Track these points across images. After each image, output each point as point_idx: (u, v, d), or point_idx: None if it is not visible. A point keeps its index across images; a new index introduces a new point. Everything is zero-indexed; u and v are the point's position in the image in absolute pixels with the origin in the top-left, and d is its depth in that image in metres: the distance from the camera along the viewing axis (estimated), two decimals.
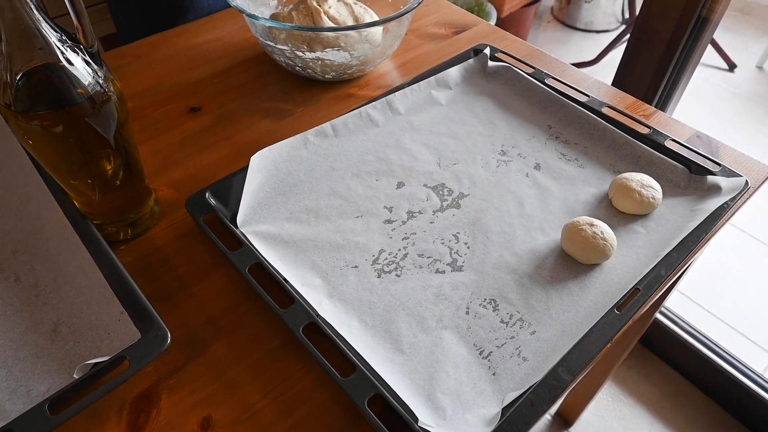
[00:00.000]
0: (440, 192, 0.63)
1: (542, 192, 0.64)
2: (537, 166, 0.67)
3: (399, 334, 0.50)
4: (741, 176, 0.60)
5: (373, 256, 0.57)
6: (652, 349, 1.38)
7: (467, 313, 0.52)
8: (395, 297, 0.53)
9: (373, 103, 0.70)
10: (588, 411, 1.23)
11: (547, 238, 0.59)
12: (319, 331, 0.48)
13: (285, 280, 0.52)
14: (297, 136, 0.65)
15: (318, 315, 0.49)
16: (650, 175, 0.64)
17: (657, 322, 1.30)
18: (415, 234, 0.59)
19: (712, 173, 0.62)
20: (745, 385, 1.23)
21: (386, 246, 0.58)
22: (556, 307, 0.52)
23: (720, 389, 1.30)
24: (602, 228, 0.55)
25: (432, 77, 0.75)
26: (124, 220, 0.56)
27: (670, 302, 1.35)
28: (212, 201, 0.58)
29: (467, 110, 0.74)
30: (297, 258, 0.56)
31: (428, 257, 0.57)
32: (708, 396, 1.31)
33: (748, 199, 0.62)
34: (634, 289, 0.51)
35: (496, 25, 2.06)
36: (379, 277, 0.55)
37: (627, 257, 0.56)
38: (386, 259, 0.57)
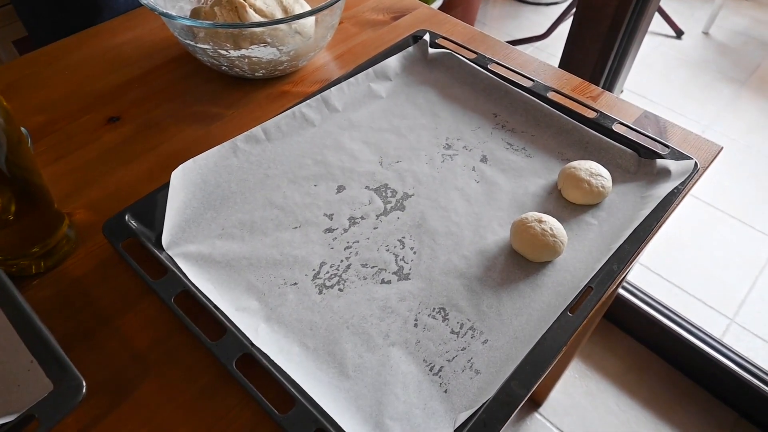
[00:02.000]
0: (383, 194, 0.60)
1: (490, 187, 0.61)
2: (483, 159, 0.64)
3: (344, 356, 0.47)
4: (690, 158, 0.58)
5: (314, 270, 0.53)
6: (615, 322, 1.39)
7: (416, 325, 0.49)
8: (338, 314, 0.49)
9: (308, 101, 0.66)
10: (556, 390, 1.23)
11: (497, 237, 0.56)
12: (254, 363, 0.44)
13: (216, 307, 0.48)
14: (225, 143, 0.60)
15: (253, 345, 0.45)
16: (599, 161, 0.62)
17: (619, 296, 1.31)
18: (358, 242, 0.55)
19: (661, 156, 0.60)
20: (705, 352, 1.25)
21: (327, 257, 0.54)
22: (508, 312, 0.50)
23: (681, 358, 1.32)
24: (551, 224, 0.53)
25: (370, 69, 0.70)
26: (32, 253, 0.50)
27: (630, 275, 1.36)
28: (133, 223, 0.53)
29: (409, 102, 0.70)
30: (231, 279, 0.52)
31: (373, 267, 0.53)
32: (671, 365, 1.33)
33: (698, 179, 0.60)
34: (587, 288, 0.49)
35: (444, 4, 2.02)
36: (320, 293, 0.51)
37: (579, 252, 0.54)
38: (328, 272, 0.53)
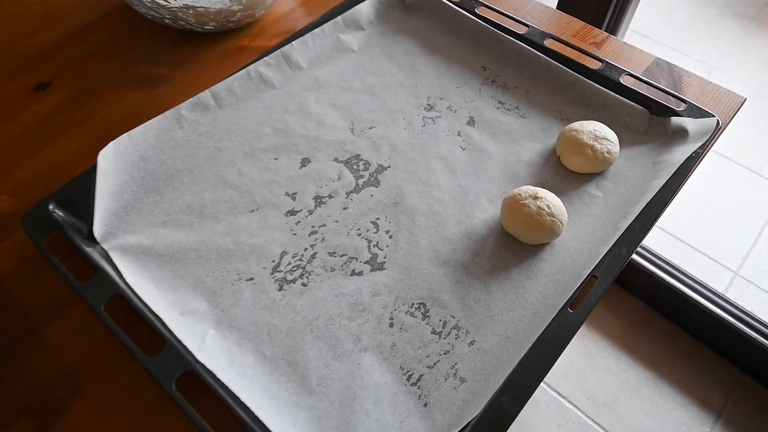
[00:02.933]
0: (355, 166, 0.52)
1: (478, 154, 0.52)
2: (471, 121, 0.55)
3: (306, 366, 0.40)
4: (712, 115, 0.50)
5: (273, 261, 0.45)
6: (615, 280, 1.33)
7: (391, 325, 0.42)
8: (301, 315, 0.42)
9: (266, 58, 0.56)
10: None
11: (485, 215, 0.48)
12: (199, 381, 0.37)
13: (155, 314, 0.40)
14: (167, 113, 0.51)
15: (197, 360, 0.38)
16: (605, 120, 0.53)
17: None
18: (325, 226, 0.48)
19: (676, 113, 0.51)
20: (707, 308, 1.21)
21: (289, 246, 0.46)
22: (499, 306, 0.43)
23: (683, 315, 1.27)
24: (549, 200, 0.45)
25: (339, 17, 0.61)
26: None
27: None
28: (59, 213, 0.45)
29: (385, 56, 0.61)
30: (176, 276, 0.44)
31: (342, 255, 0.46)
32: (672, 322, 1.28)
33: (718, 137, 0.52)
34: (590, 277, 0.41)
35: None
36: (280, 289, 0.44)
37: (581, 231, 0.46)
38: (289, 264, 0.45)
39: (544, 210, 0.44)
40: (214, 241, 0.46)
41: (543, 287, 0.43)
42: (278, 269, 0.45)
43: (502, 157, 0.52)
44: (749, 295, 1.33)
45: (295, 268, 0.45)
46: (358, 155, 0.52)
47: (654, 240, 1.40)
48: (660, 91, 0.53)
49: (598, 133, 0.49)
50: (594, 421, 1.17)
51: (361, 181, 0.51)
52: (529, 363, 0.38)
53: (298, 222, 0.48)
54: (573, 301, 0.40)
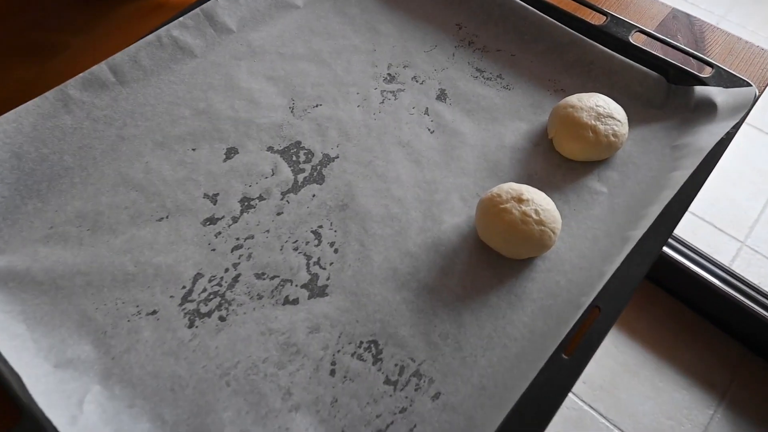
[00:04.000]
0: (294, 158, 0.41)
1: (450, 138, 0.42)
2: (441, 95, 0.44)
3: None
4: (747, 84, 0.39)
5: (184, 288, 0.35)
6: None
7: (332, 373, 0.32)
8: (216, 361, 0.33)
9: (182, 18, 0.44)
10: None
11: (457, 219, 0.38)
12: None
13: (12, 372, 0.30)
14: (48, 93, 0.40)
15: None
16: (610, 92, 0.43)
17: None
18: (253, 238, 0.37)
19: (700, 80, 0.40)
20: (711, 283, 1.13)
21: (206, 266, 0.36)
22: (472, 344, 0.33)
23: (686, 290, 1.19)
24: (537, 203, 0.34)
25: None
26: None
27: None
28: None
29: (336, 13, 0.49)
30: (56, 311, 0.34)
31: (272, 277, 0.36)
32: (675, 298, 1.20)
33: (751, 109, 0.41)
34: (592, 309, 0.31)
35: None
36: (191, 325, 0.34)
37: (579, 239, 0.36)
38: (205, 290, 0.35)
39: (530, 217, 0.34)
40: (109, 262, 0.36)
41: (530, 318, 0.33)
42: (190, 298, 0.35)
43: (480, 142, 0.41)
44: (756, 267, 1.25)
45: (211, 296, 0.35)
46: (299, 143, 0.42)
47: None
48: (679, 52, 0.42)
49: (601, 109, 0.39)
50: (591, 407, 1.10)
51: (301, 177, 0.40)
52: (509, 428, 0.28)
53: (219, 233, 0.37)
54: (568, 344, 0.30)
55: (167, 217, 0.38)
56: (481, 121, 0.42)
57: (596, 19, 0.44)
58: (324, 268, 0.36)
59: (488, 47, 0.46)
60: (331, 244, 0.37)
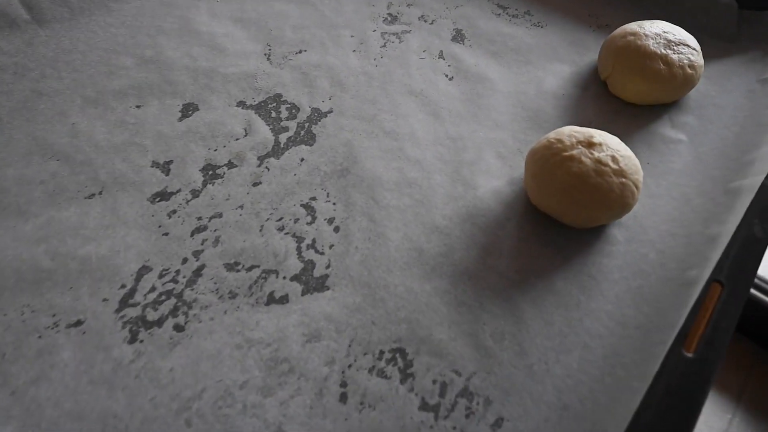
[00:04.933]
0: (273, 114, 0.31)
1: (475, 86, 0.32)
2: (458, 36, 0.35)
3: None
4: None
5: (123, 287, 0.25)
6: None
7: (343, 398, 0.22)
8: (170, 390, 0.22)
9: None
10: None
11: (497, 182, 0.28)
12: None
13: None
14: None
15: None
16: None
17: None
18: (221, 217, 0.27)
19: None
20: None
21: (155, 256, 0.26)
22: (539, 346, 0.23)
23: None
24: (614, 149, 0.25)
25: None
26: None
27: None
28: None
29: None
30: None
31: (250, 268, 0.25)
32: None
33: None
34: (711, 284, 0.22)
35: None
36: (134, 340, 0.23)
37: (662, 200, 0.27)
38: (153, 289, 0.25)
39: (607, 166, 0.24)
40: (14, 255, 0.25)
41: (614, 306, 0.24)
42: (131, 301, 0.24)
43: (514, 88, 0.32)
44: None
45: (162, 298, 0.24)
46: (279, 95, 0.32)
47: None
48: None
49: (670, 36, 0.30)
50: None
51: (284, 137, 0.30)
52: None
53: (173, 212, 0.27)
54: (688, 336, 0.21)
55: (100, 192, 0.27)
56: (512, 64, 0.33)
57: None
58: (322, 253, 0.26)
59: None
60: (330, 221, 0.27)
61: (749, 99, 0.30)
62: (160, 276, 0.25)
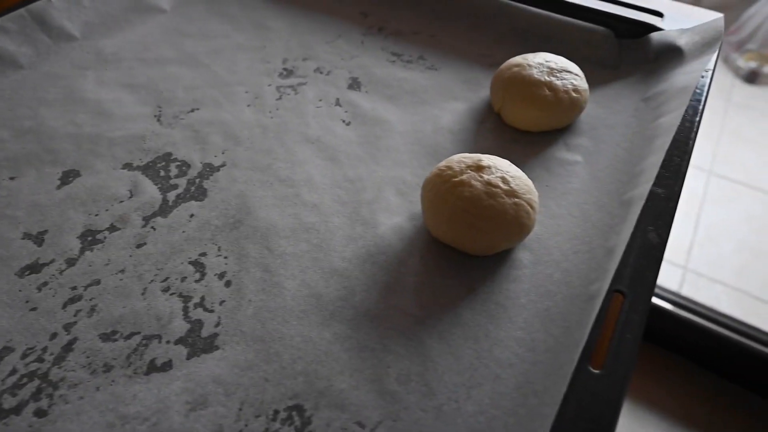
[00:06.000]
0: (161, 173, 0.29)
1: (372, 129, 0.32)
2: (354, 83, 0.35)
3: None
4: (714, 18, 0.33)
5: None
6: None
7: None
8: None
9: (1, 21, 0.33)
10: None
11: (398, 218, 0.27)
12: None
13: None
14: None
15: None
16: None
17: None
18: (99, 284, 0.25)
19: (655, 27, 0.34)
20: (668, 311, 1.07)
21: (18, 334, 0.23)
22: (448, 384, 0.21)
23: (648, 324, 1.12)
24: (503, 170, 0.25)
25: None
26: None
27: None
28: None
29: (212, 14, 0.40)
30: None
31: (128, 336, 0.23)
32: None
33: (715, 65, 0.34)
34: (612, 295, 0.21)
35: None
36: None
37: (564, 219, 0.27)
38: (14, 372, 0.22)
39: (498, 187, 0.24)
40: None
41: (524, 331, 0.22)
42: None
43: (411, 128, 0.32)
44: (704, 289, 1.22)
45: (24, 381, 0.21)
46: (169, 154, 0.30)
47: None
48: (622, 5, 0.35)
49: (553, 64, 0.31)
50: None
51: (172, 195, 0.28)
52: None
53: (44, 284, 0.24)
54: (594, 352, 0.19)
55: None
56: (408, 106, 0.33)
57: None
58: (211, 311, 0.24)
59: (402, 31, 0.39)
60: (221, 276, 0.25)
61: (636, 117, 0.31)
62: (23, 356, 0.22)
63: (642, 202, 0.23)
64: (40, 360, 0.22)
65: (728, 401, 1.07)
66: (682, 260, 1.29)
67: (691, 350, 1.14)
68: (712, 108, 1.69)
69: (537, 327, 0.22)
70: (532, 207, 0.24)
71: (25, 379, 0.21)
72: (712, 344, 1.10)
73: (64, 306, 0.24)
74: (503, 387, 0.21)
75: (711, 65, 0.30)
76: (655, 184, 0.25)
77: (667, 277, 1.24)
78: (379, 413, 0.21)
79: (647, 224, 0.23)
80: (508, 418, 0.20)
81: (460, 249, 0.25)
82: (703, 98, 0.29)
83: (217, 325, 0.23)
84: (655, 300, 1.08)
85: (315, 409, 0.21)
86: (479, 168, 0.24)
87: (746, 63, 1.83)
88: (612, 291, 0.21)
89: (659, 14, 0.35)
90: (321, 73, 0.36)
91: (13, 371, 0.22)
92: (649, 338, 1.13)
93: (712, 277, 1.26)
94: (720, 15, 0.32)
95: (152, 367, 0.22)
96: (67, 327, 0.23)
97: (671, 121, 0.27)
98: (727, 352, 1.10)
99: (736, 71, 1.85)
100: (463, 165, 0.25)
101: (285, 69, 0.36)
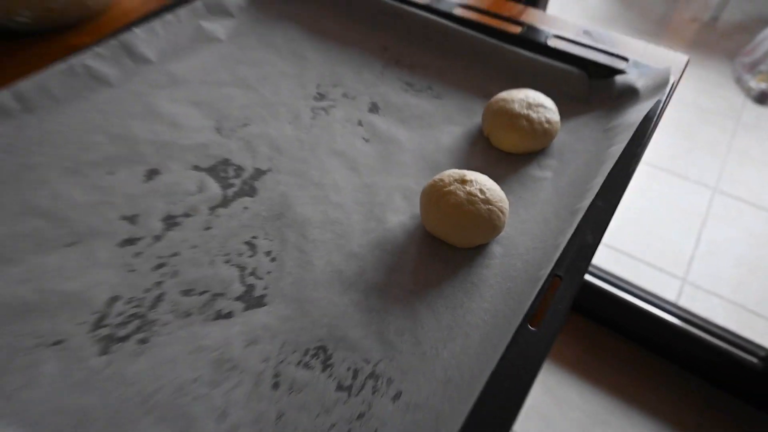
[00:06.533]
0: (222, 174, 0.38)
1: (386, 146, 0.40)
2: (373, 108, 0.43)
3: None
4: (662, 68, 0.41)
5: (96, 313, 0.30)
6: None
7: (276, 386, 0.28)
8: (135, 387, 0.27)
9: (96, 48, 0.43)
10: None
11: (402, 217, 0.36)
12: None
13: None
14: None
15: None
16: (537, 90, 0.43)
17: None
18: (178, 255, 0.33)
19: (619, 71, 0.42)
20: (664, 320, 1.13)
21: (123, 288, 0.32)
22: (432, 337, 0.29)
23: (641, 330, 1.19)
24: (481, 183, 0.33)
25: (197, 1, 0.48)
26: None
27: None
28: None
29: (262, 45, 0.49)
30: None
31: (202, 292, 0.32)
32: (631, 341, 1.19)
33: (670, 99, 0.42)
34: (552, 278, 0.29)
35: None
36: (104, 353, 0.29)
37: (530, 223, 0.35)
38: (121, 313, 0.30)
39: (476, 196, 0.32)
40: (6, 293, 0.31)
41: (489, 303, 0.31)
42: (103, 323, 0.30)
43: (417, 146, 0.40)
44: (701, 301, 1.28)
45: (130, 319, 0.30)
46: (227, 160, 0.39)
47: (596, 255, 1.33)
48: (596, 51, 0.43)
49: (531, 100, 0.39)
50: None
51: (230, 192, 0.37)
52: (483, 413, 0.24)
53: (139, 253, 0.33)
54: (534, 315, 0.28)
55: (78, 242, 0.33)
56: (416, 128, 0.42)
57: (514, 29, 0.46)
58: (260, 278, 0.32)
59: (415, 64, 0.47)
60: (267, 254, 0.34)
61: (595, 144, 0.39)
62: (127, 303, 0.31)
63: (581, 215, 0.31)
64: (139, 306, 0.31)
65: (719, 409, 1.14)
66: (682, 272, 1.35)
67: (686, 359, 1.20)
68: (721, 127, 1.75)
69: (499, 301, 0.31)
70: (502, 212, 0.32)
71: (130, 319, 0.30)
72: (706, 354, 1.15)
73: (154, 270, 0.33)
74: (470, 342, 0.29)
75: (652, 106, 0.38)
76: (597, 198, 0.32)
77: (665, 287, 1.30)
78: (380, 354, 0.29)
79: (586, 228, 0.31)
80: (471, 361, 0.28)
81: (447, 242, 0.33)
82: (648, 131, 0.37)
83: (265, 288, 0.32)
84: (652, 309, 1.14)
85: (335, 350, 0.29)
86: (464, 181, 0.33)
87: (758, 84, 1.87)
88: (552, 275, 0.29)
89: (625, 59, 0.42)
90: (347, 97, 0.44)
91: (121, 313, 0.30)
92: (646, 345, 1.19)
93: (709, 290, 1.32)
94: (668, 66, 0.40)
95: (218, 315, 0.30)
96: (157, 284, 0.32)
97: (617, 150, 0.35)
98: (721, 363, 1.15)
99: (747, 92, 1.89)
100: (451, 178, 0.33)
101: (318, 93, 0.44)
